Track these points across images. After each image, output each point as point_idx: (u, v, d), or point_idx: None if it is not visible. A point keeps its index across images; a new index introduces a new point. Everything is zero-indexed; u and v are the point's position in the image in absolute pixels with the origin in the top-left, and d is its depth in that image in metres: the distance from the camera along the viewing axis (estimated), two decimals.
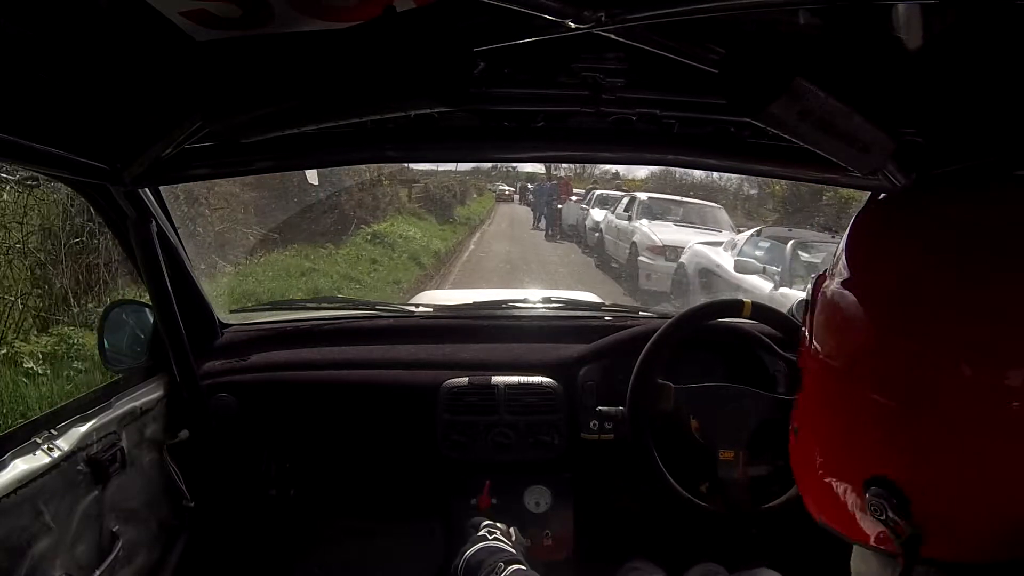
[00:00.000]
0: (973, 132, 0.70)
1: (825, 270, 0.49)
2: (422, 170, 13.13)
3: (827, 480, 0.46)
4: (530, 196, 18.98)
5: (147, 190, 1.06)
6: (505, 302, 1.61)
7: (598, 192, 11.52)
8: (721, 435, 1.14)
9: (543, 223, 12.77)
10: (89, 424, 0.99)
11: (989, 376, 0.38)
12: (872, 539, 0.44)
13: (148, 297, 1.18)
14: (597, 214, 9.81)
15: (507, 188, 21.71)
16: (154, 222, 1.08)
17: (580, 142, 0.97)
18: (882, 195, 0.51)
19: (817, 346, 0.47)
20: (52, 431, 0.92)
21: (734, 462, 1.13)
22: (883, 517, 0.41)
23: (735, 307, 1.21)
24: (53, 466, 0.89)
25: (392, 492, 1.42)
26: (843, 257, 0.46)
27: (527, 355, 1.37)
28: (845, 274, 0.45)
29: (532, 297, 1.67)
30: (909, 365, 0.40)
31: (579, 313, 1.61)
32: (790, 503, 1.12)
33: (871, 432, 0.43)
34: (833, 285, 0.46)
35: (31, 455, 0.87)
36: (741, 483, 1.13)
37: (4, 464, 0.83)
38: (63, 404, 1.02)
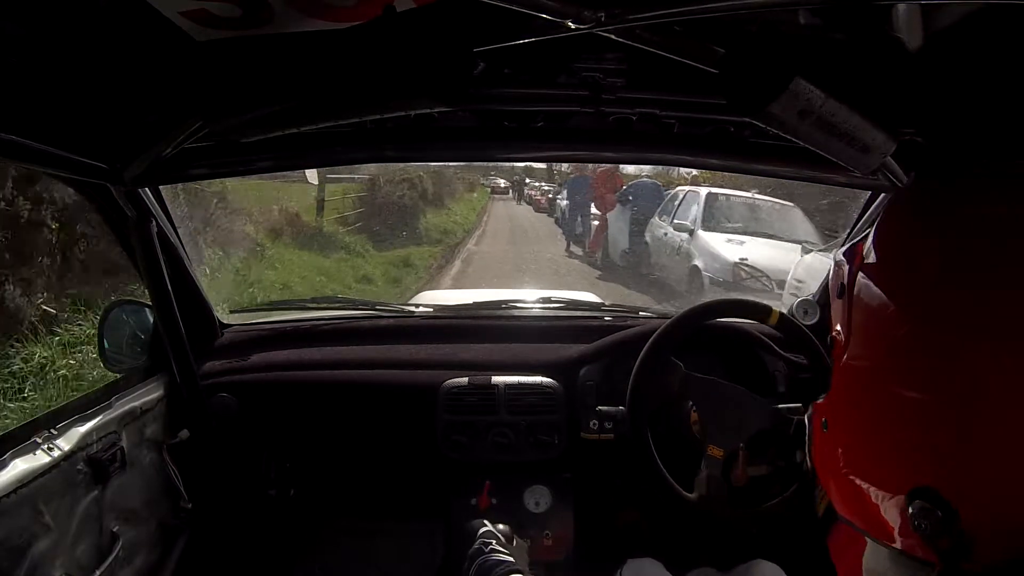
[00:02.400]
0: (973, 132, 0.70)
1: (853, 258, 0.47)
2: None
3: (861, 481, 0.45)
4: (535, 196, 14.68)
5: (147, 190, 1.06)
6: (505, 302, 1.61)
7: (704, 194, 5.65)
8: (717, 432, 1.14)
9: (589, 246, 7.53)
10: (89, 424, 0.98)
11: None
12: (904, 545, 0.42)
13: (148, 297, 1.18)
14: (711, 238, 5.12)
15: (503, 181, 18.77)
16: (154, 222, 1.09)
17: (580, 142, 0.97)
18: (913, 184, 0.50)
19: (847, 340, 0.45)
20: (52, 431, 0.92)
21: (721, 460, 1.12)
22: (926, 531, 0.40)
23: (763, 311, 1.19)
24: (53, 466, 0.88)
25: (392, 492, 1.42)
26: (873, 248, 0.45)
27: (527, 355, 1.37)
28: (876, 265, 0.44)
29: (532, 297, 1.66)
30: (946, 357, 0.39)
31: (579, 313, 1.61)
32: (785, 504, 1.12)
33: (910, 433, 0.41)
34: (863, 276, 0.44)
35: (31, 455, 0.87)
36: (719, 482, 1.13)
37: (4, 464, 0.83)
38: (63, 404, 1.02)
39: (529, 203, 15.75)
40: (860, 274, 0.45)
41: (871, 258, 0.45)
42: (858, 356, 0.45)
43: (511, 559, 0.86)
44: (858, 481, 0.45)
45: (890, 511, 0.43)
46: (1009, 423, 0.38)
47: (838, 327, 0.47)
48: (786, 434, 1.13)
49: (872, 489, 0.44)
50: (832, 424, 0.48)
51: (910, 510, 0.40)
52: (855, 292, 0.45)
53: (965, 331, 0.39)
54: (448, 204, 11.82)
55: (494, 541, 0.90)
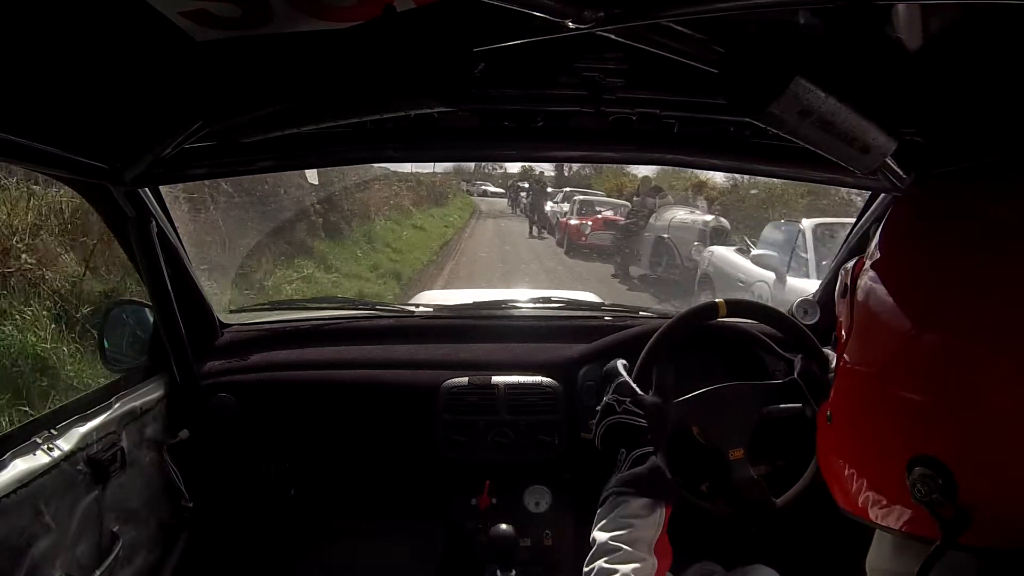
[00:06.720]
0: (973, 132, 0.70)
1: (856, 260, 0.48)
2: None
3: (863, 466, 0.46)
4: (568, 219, 7.86)
5: (147, 190, 1.06)
6: (505, 302, 1.61)
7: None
8: (725, 436, 1.14)
9: None
10: (89, 424, 0.98)
11: None
12: (906, 525, 0.43)
13: (148, 297, 1.18)
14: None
15: (491, 187, 14.66)
16: (154, 222, 1.09)
17: (580, 142, 0.97)
18: (918, 187, 0.51)
19: (852, 340, 0.46)
20: (52, 431, 0.92)
21: (745, 460, 1.12)
22: (927, 498, 0.40)
23: (711, 310, 1.19)
24: (53, 466, 0.88)
25: (392, 492, 1.42)
26: (878, 249, 0.46)
27: (527, 355, 1.37)
28: (880, 265, 0.45)
29: (532, 297, 1.66)
30: (947, 359, 0.39)
31: (579, 313, 1.61)
32: (800, 498, 1.12)
33: (912, 421, 0.42)
34: (867, 278, 0.45)
35: (31, 455, 0.87)
36: (756, 481, 1.12)
37: (4, 464, 0.83)
38: (63, 404, 1.02)
39: (542, 227, 9.18)
40: (865, 275, 0.46)
41: (876, 258, 0.45)
42: (860, 352, 0.46)
43: (644, 423, 0.75)
44: (860, 467, 0.46)
45: (892, 488, 0.43)
46: (1009, 411, 0.38)
47: (842, 324, 0.48)
48: (786, 429, 1.13)
49: (873, 470, 0.45)
50: (836, 415, 0.49)
51: (910, 478, 0.41)
52: (859, 292, 0.46)
53: (965, 332, 0.39)
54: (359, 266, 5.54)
55: (628, 400, 0.81)
